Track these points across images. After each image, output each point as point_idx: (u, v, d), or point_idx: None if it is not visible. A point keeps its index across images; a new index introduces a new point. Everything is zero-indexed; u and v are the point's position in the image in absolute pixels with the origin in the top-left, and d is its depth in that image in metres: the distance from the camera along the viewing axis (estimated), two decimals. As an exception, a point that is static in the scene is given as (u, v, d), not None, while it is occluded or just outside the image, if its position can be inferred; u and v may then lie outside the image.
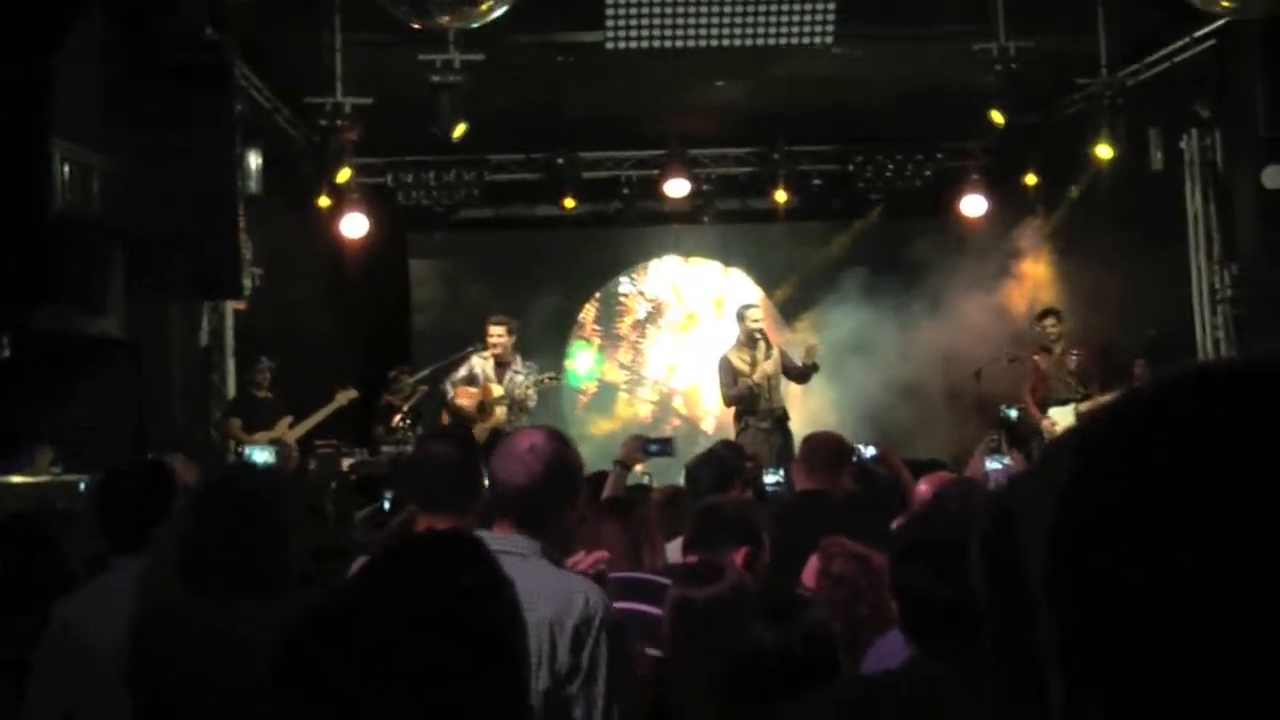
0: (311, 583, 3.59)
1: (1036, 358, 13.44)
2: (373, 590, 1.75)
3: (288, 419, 13.05)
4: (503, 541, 3.42)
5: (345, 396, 13.22)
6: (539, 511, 3.67)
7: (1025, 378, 13.46)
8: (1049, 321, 13.58)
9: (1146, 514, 0.79)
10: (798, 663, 3.13)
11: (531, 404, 12.61)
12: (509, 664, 1.75)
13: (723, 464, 6.31)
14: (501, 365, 12.63)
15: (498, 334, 12.69)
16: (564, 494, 3.76)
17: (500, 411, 12.43)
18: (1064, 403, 13.00)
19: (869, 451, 7.31)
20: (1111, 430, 0.85)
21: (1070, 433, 0.90)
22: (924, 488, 5.64)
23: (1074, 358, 13.22)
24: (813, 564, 4.00)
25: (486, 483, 3.86)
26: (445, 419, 12.59)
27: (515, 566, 3.32)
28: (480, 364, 12.66)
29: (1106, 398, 12.71)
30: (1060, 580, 0.83)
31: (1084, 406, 12.90)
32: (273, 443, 12.60)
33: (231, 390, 13.89)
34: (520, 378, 12.58)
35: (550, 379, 13.05)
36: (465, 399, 12.53)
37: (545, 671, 3.33)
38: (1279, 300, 12.87)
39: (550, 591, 3.43)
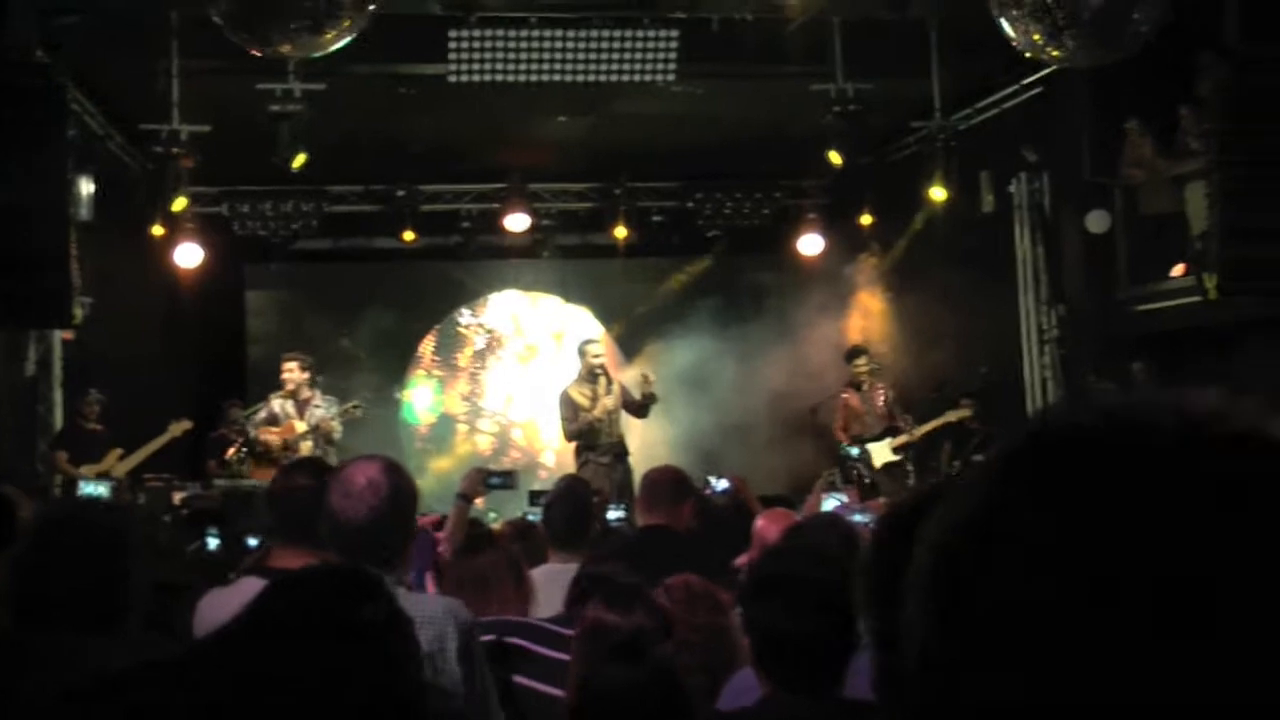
0: (156, 621, 3.51)
1: (845, 395, 13.85)
2: (269, 630, 1.68)
3: (117, 451, 12.75)
4: None
5: (179, 428, 12.97)
6: (384, 546, 3.67)
7: (836, 413, 13.78)
8: (860, 360, 13.96)
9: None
10: (650, 701, 3.13)
11: (337, 435, 12.48)
12: (414, 704, 1.70)
13: (577, 502, 6.31)
14: (301, 402, 12.51)
15: (289, 369, 12.59)
16: (406, 526, 3.79)
17: (306, 447, 12.31)
18: (878, 438, 13.32)
19: (721, 484, 7.35)
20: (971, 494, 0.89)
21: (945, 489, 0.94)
22: (762, 523, 5.62)
23: (881, 394, 13.56)
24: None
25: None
26: (253, 464, 12.44)
27: None
28: (279, 403, 12.53)
29: (921, 430, 13.11)
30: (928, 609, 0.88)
31: (897, 441, 13.25)
32: (100, 476, 12.28)
33: (59, 422, 13.52)
34: (320, 411, 12.47)
35: (354, 408, 12.92)
36: (269, 439, 12.39)
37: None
38: (1103, 341, 13.29)
39: (424, 617, 3.46)
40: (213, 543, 7.87)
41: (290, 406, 12.48)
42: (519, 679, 4.22)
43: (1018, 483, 0.86)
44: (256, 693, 1.59)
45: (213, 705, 1.62)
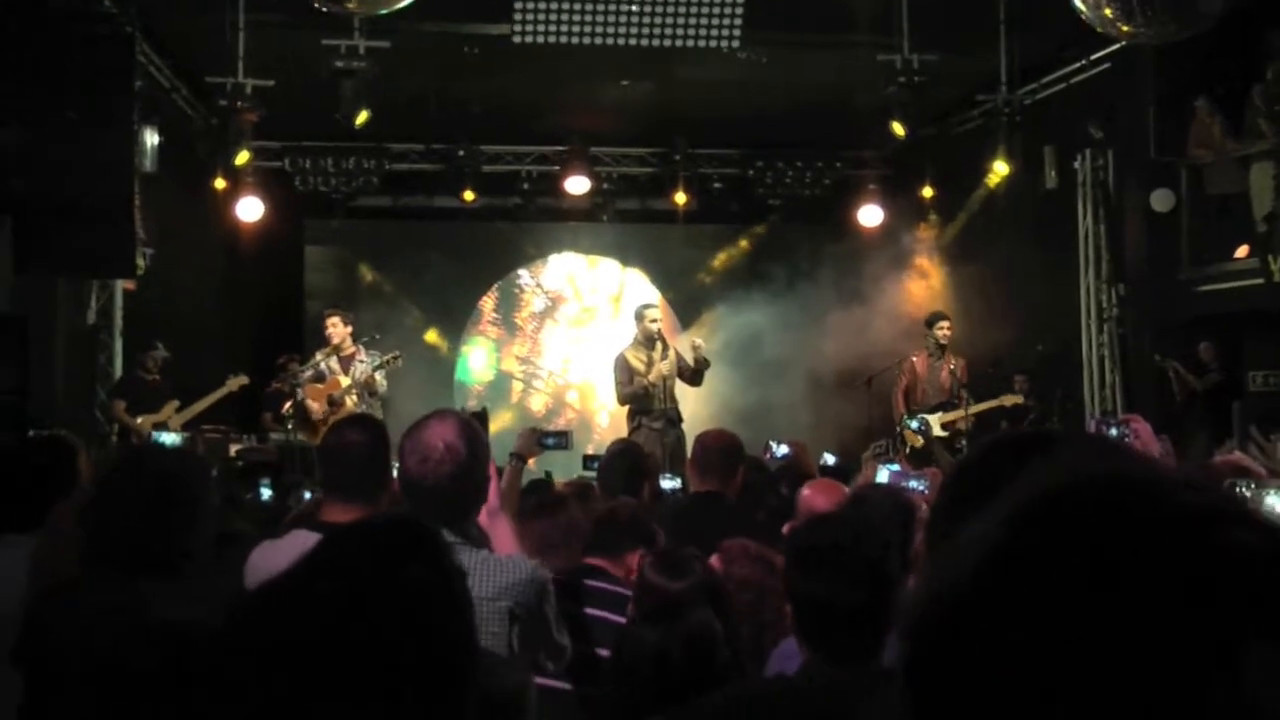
0: (210, 568, 3.55)
1: (915, 359, 13.49)
2: (319, 581, 1.67)
3: (174, 403, 12.86)
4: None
5: (235, 382, 13.05)
6: (461, 506, 3.74)
7: (901, 376, 13.51)
8: (942, 324, 13.53)
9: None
10: (676, 665, 3.16)
11: (381, 389, 12.52)
12: (461, 666, 1.69)
13: (633, 463, 6.33)
14: (345, 357, 12.55)
15: (333, 324, 12.61)
16: (482, 487, 3.84)
17: (350, 401, 12.36)
18: (932, 410, 13.13)
19: (781, 450, 7.35)
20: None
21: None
22: (808, 492, 5.56)
23: (949, 366, 13.32)
24: (714, 565, 4.02)
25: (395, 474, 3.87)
26: (300, 419, 12.51)
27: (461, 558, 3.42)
28: (324, 360, 12.58)
29: (973, 409, 12.95)
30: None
31: (948, 417, 13.06)
32: (156, 426, 12.42)
33: (118, 371, 13.67)
34: (363, 365, 12.51)
35: (394, 359, 12.95)
36: (314, 397, 12.45)
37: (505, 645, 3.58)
38: (1163, 321, 13.18)
39: (499, 582, 3.62)
40: (266, 494, 7.92)
41: (334, 362, 12.53)
42: (590, 610, 4.29)
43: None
44: (303, 647, 1.60)
45: (260, 658, 1.63)
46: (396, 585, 1.66)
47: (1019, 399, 13.44)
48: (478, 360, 17.82)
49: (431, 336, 17.11)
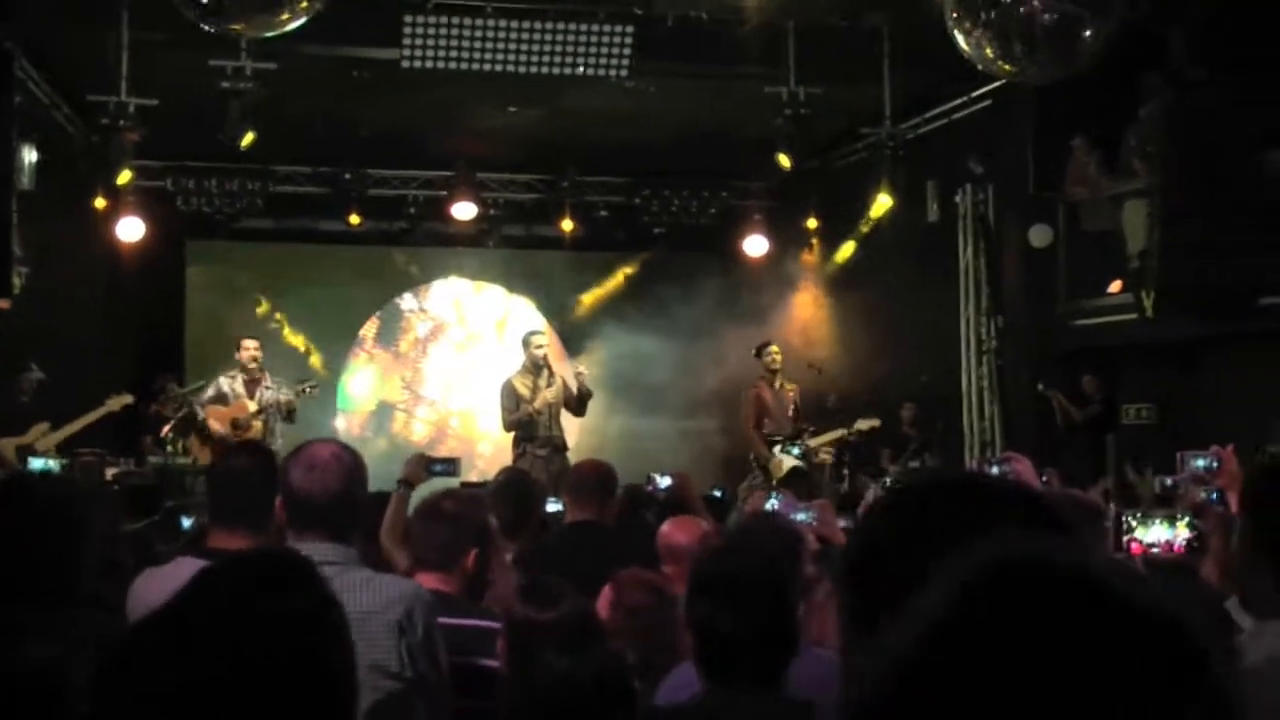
0: (97, 600, 3.49)
1: (758, 388, 13.52)
2: (197, 618, 1.68)
3: (43, 425, 12.50)
4: (325, 552, 3.53)
5: (118, 401, 12.70)
6: (347, 521, 3.78)
7: (746, 405, 13.53)
8: (771, 350, 13.62)
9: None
10: (589, 693, 3.16)
11: (294, 415, 12.49)
12: (340, 698, 1.70)
13: (522, 489, 6.31)
14: (253, 382, 12.47)
15: (250, 348, 12.53)
16: (364, 503, 3.93)
17: (257, 425, 12.28)
18: (792, 438, 13.17)
19: (664, 481, 7.36)
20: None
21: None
22: (667, 529, 5.44)
23: (791, 393, 13.45)
24: (606, 594, 4.03)
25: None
26: (196, 441, 12.36)
27: (344, 577, 3.42)
28: (227, 383, 12.47)
29: (818, 440, 13.07)
30: None
31: (813, 443, 13.16)
32: (21, 449, 12.10)
33: (-11, 392, 13.34)
34: (270, 392, 12.44)
35: (311, 388, 12.92)
36: (216, 419, 12.32)
37: (386, 675, 3.56)
38: (1041, 354, 13.45)
39: (387, 596, 3.64)
40: (186, 522, 7.59)
41: (240, 386, 12.42)
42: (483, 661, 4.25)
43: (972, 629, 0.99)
44: (187, 678, 1.59)
45: (142, 689, 1.62)
46: (278, 614, 1.67)
47: (875, 423, 13.54)
48: (359, 386, 17.67)
49: (314, 361, 16.93)
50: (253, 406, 12.35)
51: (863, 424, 13.42)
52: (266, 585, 1.70)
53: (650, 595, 4.01)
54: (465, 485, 9.02)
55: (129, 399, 12.82)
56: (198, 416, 12.37)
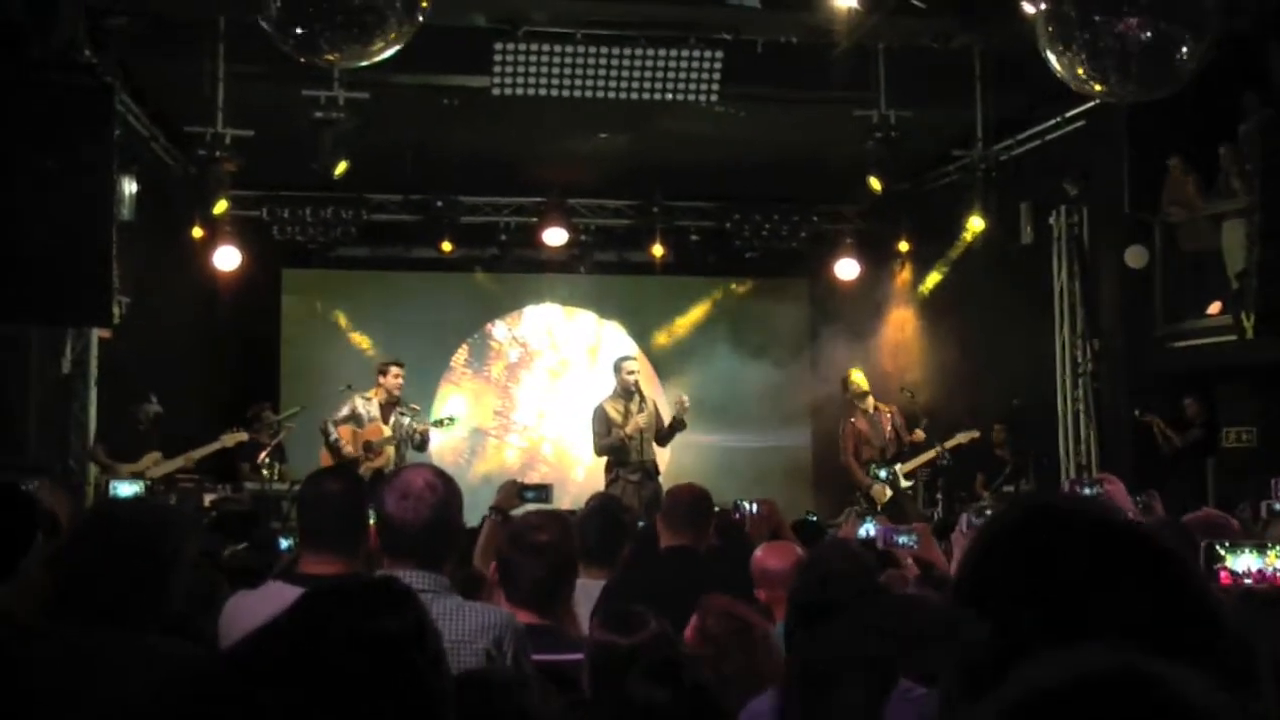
0: (185, 624, 3.50)
1: (853, 420, 13.46)
2: (296, 643, 1.67)
3: (154, 454, 12.74)
4: (417, 579, 3.57)
5: (232, 438, 12.86)
6: (440, 549, 3.80)
7: (844, 439, 13.45)
8: (850, 374, 13.63)
9: None
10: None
11: (428, 445, 12.67)
12: (438, 715, 1.70)
13: (612, 516, 6.27)
14: (389, 406, 12.61)
15: (399, 373, 12.70)
16: (458, 531, 3.96)
17: (389, 452, 12.41)
18: (890, 463, 13.10)
19: (753, 507, 7.31)
20: None
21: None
22: (760, 554, 5.47)
23: (888, 416, 13.36)
24: (694, 622, 4.01)
25: (373, 522, 3.89)
26: (326, 457, 12.46)
27: (435, 605, 3.44)
28: (363, 404, 12.60)
29: (920, 459, 12.96)
30: None
31: (908, 465, 13.08)
32: (134, 475, 12.30)
33: (92, 421, 13.58)
34: (407, 420, 12.57)
35: (448, 420, 13.13)
36: (349, 439, 12.46)
37: None
38: (1138, 377, 13.24)
39: (478, 624, 3.65)
40: (285, 543, 7.64)
41: (375, 409, 12.56)
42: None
43: None
44: (288, 703, 1.59)
45: (242, 713, 1.62)
46: (375, 640, 1.67)
47: (974, 434, 13.42)
48: (451, 412, 17.75)
49: (408, 388, 16.99)
50: (387, 431, 12.47)
51: (962, 437, 13.30)
52: (369, 612, 1.70)
53: (731, 622, 3.97)
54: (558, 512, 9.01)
55: (244, 436, 12.99)
56: (330, 435, 12.48)
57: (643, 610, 3.71)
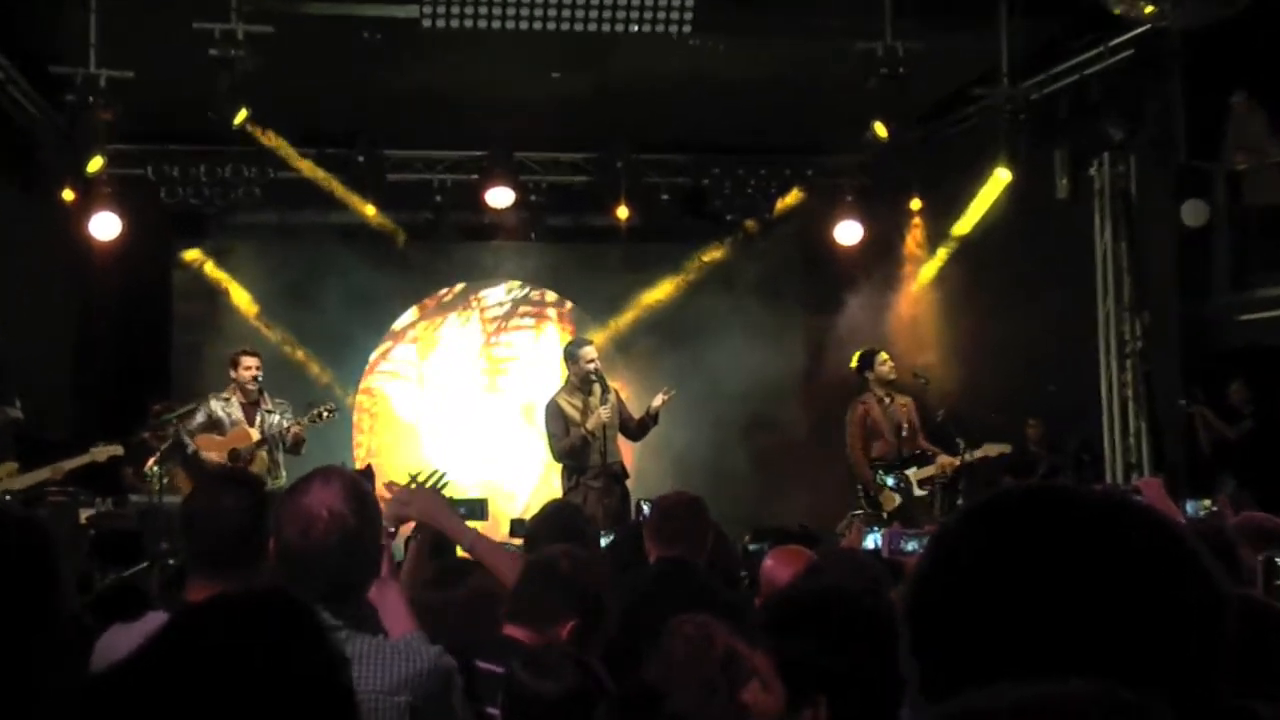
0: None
1: (864, 404, 13.43)
2: (171, 672, 1.56)
3: (10, 465, 12.51)
4: (325, 618, 3.40)
5: (104, 452, 12.58)
6: (348, 583, 3.69)
7: (851, 425, 13.44)
8: (882, 360, 13.53)
9: None
10: None
11: (302, 448, 12.51)
12: None
13: (570, 526, 6.26)
14: (251, 406, 12.48)
15: (251, 366, 12.55)
16: (370, 561, 3.79)
17: (261, 458, 12.29)
18: (904, 465, 13.05)
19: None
20: None
21: None
22: (770, 563, 5.68)
23: (905, 410, 13.30)
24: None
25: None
26: (184, 478, 12.32)
27: (348, 646, 3.32)
28: (220, 406, 12.47)
29: (933, 469, 12.88)
30: None
31: (922, 473, 13.02)
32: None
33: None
34: (276, 418, 12.44)
35: (329, 411, 12.89)
36: (211, 449, 12.31)
37: None
38: (1197, 356, 13.22)
39: (398, 675, 3.57)
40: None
41: (236, 410, 12.42)
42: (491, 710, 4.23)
43: None
44: None
45: None
46: (267, 675, 1.56)
47: (1005, 448, 13.33)
48: (375, 409, 17.70)
49: (324, 378, 16.95)
50: (255, 435, 12.35)
51: (991, 449, 13.17)
52: (256, 636, 1.58)
53: (691, 645, 3.93)
54: (513, 522, 8.94)
55: (118, 450, 12.73)
56: (186, 448, 12.36)
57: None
